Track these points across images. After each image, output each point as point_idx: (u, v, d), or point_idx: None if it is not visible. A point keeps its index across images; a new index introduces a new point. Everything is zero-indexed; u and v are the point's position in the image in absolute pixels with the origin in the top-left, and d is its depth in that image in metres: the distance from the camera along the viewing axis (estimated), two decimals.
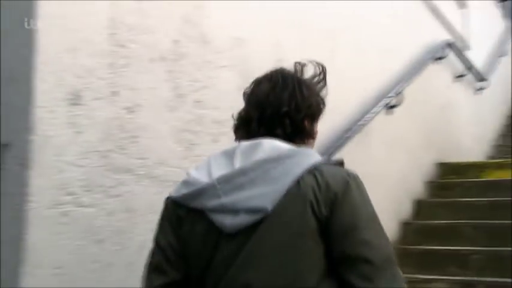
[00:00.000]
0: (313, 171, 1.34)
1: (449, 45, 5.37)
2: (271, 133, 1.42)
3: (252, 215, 1.31)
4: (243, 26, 2.71)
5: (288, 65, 3.03)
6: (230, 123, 2.54)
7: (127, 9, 2.10)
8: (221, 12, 2.57)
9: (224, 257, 1.32)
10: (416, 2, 4.95)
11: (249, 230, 1.30)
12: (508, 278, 3.36)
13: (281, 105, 1.44)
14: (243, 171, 1.35)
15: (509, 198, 4.19)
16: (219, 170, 1.38)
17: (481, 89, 6.53)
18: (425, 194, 4.73)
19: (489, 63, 6.97)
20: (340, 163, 1.43)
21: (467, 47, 6.24)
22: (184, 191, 1.40)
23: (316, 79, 1.56)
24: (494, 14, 8.38)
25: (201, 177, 1.38)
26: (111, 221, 1.99)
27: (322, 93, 1.55)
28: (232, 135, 2.58)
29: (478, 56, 6.55)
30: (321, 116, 1.53)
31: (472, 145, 6.10)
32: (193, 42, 2.41)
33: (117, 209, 2.02)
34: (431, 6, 5.20)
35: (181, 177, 2.25)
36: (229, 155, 1.42)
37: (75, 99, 1.88)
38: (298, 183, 1.32)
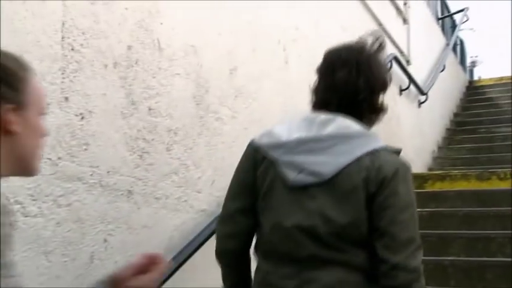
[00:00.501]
0: (372, 154, 1.58)
1: (395, 58, 5.52)
2: (348, 112, 1.65)
3: (311, 177, 1.58)
4: (196, 34, 2.69)
5: (245, 73, 3.04)
6: (183, 132, 2.54)
7: (80, 12, 2.04)
8: (175, 19, 2.54)
9: (285, 204, 1.60)
10: (364, 16, 5.06)
11: (304, 189, 1.58)
12: (450, 287, 3.46)
13: (358, 92, 1.65)
14: (315, 139, 1.61)
15: (452, 209, 4.33)
16: (298, 132, 1.64)
17: (422, 102, 6.73)
18: None
19: (429, 77, 7.19)
20: (398, 152, 1.67)
21: (409, 62, 6.42)
22: (265, 140, 1.68)
23: (381, 53, 1.74)
24: (434, 31, 8.68)
25: (282, 133, 1.66)
26: (59, 231, 1.91)
27: (387, 65, 1.71)
28: (185, 144, 2.56)
29: (419, 71, 6.76)
30: (388, 88, 1.73)
31: (414, 157, 6.27)
32: (147, 48, 2.36)
33: (67, 218, 1.94)
34: (378, 21, 5.33)
35: (134, 186, 2.22)
36: (309, 122, 1.66)
37: None
38: (358, 161, 1.56)
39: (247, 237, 1.72)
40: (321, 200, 1.57)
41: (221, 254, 1.79)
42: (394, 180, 1.56)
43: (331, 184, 1.57)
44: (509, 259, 3.55)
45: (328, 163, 1.58)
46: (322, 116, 1.65)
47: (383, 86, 1.71)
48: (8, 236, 0.96)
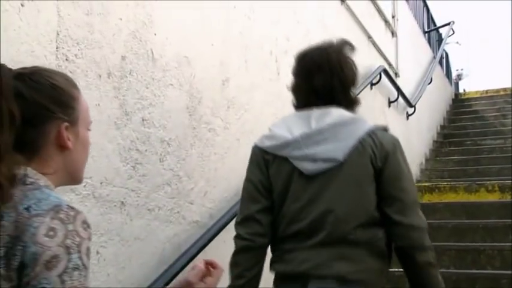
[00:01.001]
0: (370, 134, 1.83)
1: (384, 71, 5.56)
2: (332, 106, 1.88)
3: (327, 163, 1.80)
4: (189, 45, 2.68)
5: (237, 84, 3.04)
6: (176, 143, 2.52)
7: (74, 23, 2.03)
8: (168, 30, 2.53)
9: (303, 192, 1.81)
10: (354, 28, 5.10)
11: (323, 174, 1.80)
12: None
13: (335, 92, 1.89)
14: (319, 131, 1.83)
15: (441, 221, 4.34)
16: (299, 129, 1.86)
17: (410, 114, 6.78)
18: None
19: (417, 90, 7.25)
20: (385, 129, 1.92)
21: (397, 74, 6.47)
22: (269, 143, 1.89)
23: (347, 50, 1.96)
24: (421, 44, 8.77)
25: (283, 133, 1.87)
26: None
27: (353, 61, 1.97)
28: (177, 155, 2.55)
29: (407, 83, 6.81)
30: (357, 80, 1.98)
31: None
32: (141, 59, 2.35)
33: None
34: (367, 33, 5.37)
35: (126, 197, 2.19)
36: (305, 118, 1.88)
37: None
38: (361, 142, 1.80)
39: (269, 234, 1.88)
40: (337, 181, 1.79)
41: (248, 249, 1.89)
42: (395, 154, 1.84)
43: (344, 165, 1.80)
44: (499, 271, 3.56)
45: (338, 148, 1.80)
46: (317, 111, 1.88)
47: (353, 82, 1.96)
48: (89, 249, 1.03)
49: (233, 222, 2.76)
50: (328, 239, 1.77)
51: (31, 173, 1.07)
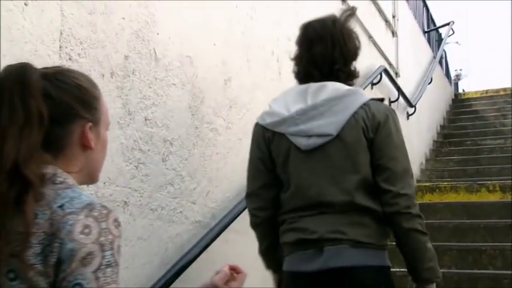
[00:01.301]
0: (363, 106, 1.88)
1: (385, 70, 5.56)
2: (330, 80, 1.93)
3: (321, 138, 1.88)
4: (191, 44, 2.68)
5: (239, 83, 3.04)
6: (179, 142, 2.52)
7: (78, 22, 2.02)
8: (171, 30, 2.53)
9: (302, 166, 1.90)
10: (355, 28, 5.09)
11: (320, 148, 1.88)
12: None
13: (334, 63, 1.94)
14: (314, 107, 1.90)
15: (442, 221, 4.34)
16: (295, 105, 1.92)
17: (410, 114, 6.78)
18: None
19: (417, 90, 7.25)
20: (382, 99, 1.99)
21: (398, 74, 6.47)
22: (269, 119, 1.96)
23: (350, 24, 2.03)
24: (422, 44, 8.77)
25: (281, 109, 1.94)
26: None
27: (356, 35, 2.04)
28: (180, 155, 2.55)
29: (407, 83, 6.81)
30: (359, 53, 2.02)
31: None
32: (144, 58, 2.35)
33: None
34: (368, 33, 5.37)
35: (129, 197, 2.19)
36: (302, 93, 1.94)
37: None
38: (354, 115, 1.87)
39: (273, 207, 1.99)
40: (333, 154, 1.88)
41: (256, 225, 2.05)
42: (387, 124, 1.89)
43: (338, 139, 1.87)
44: (500, 271, 3.57)
45: (331, 123, 1.87)
46: (313, 85, 1.94)
47: (354, 54, 2.01)
48: (120, 247, 1.06)
49: (235, 223, 2.78)
50: (335, 209, 1.87)
51: (59, 172, 1.10)
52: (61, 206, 1.03)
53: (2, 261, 1.02)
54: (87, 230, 1.01)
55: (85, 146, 1.15)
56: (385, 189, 1.85)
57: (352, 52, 2.00)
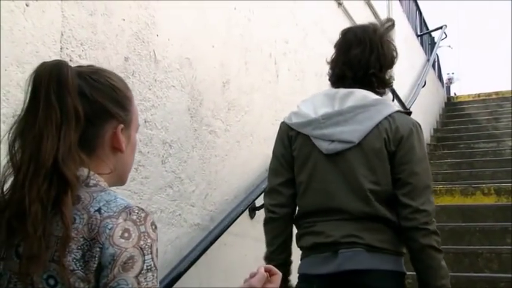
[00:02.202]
0: (388, 117, 1.89)
1: None
2: (362, 85, 1.95)
3: (342, 144, 1.91)
4: (191, 46, 2.67)
5: (237, 86, 3.03)
6: (178, 145, 2.51)
7: (78, 23, 2.01)
8: (170, 32, 2.52)
9: (321, 169, 1.93)
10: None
11: (341, 154, 1.90)
12: None
13: (369, 67, 1.95)
14: (339, 113, 1.93)
15: (438, 224, 4.34)
16: (322, 108, 1.96)
17: None
18: None
19: (411, 93, 7.27)
20: (409, 113, 2.00)
21: (392, 77, 6.48)
22: (295, 120, 2.00)
23: (391, 33, 2.05)
24: (415, 47, 8.80)
25: (308, 111, 1.98)
26: None
27: (394, 43, 2.06)
28: (179, 157, 2.53)
29: (402, 86, 6.83)
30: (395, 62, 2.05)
31: None
32: (143, 60, 2.33)
33: None
34: None
35: (129, 199, 2.17)
36: (330, 97, 1.98)
37: None
38: (378, 126, 1.88)
39: (292, 204, 2.02)
40: (353, 161, 1.89)
41: (272, 220, 2.03)
42: (410, 138, 1.88)
43: (359, 147, 1.89)
44: (497, 274, 3.57)
45: (355, 131, 1.89)
46: (342, 91, 1.96)
47: (391, 62, 2.03)
48: (157, 250, 1.04)
49: (234, 225, 2.76)
50: (351, 215, 1.88)
51: (92, 174, 1.07)
52: (98, 210, 1.01)
53: (41, 266, 0.99)
54: (126, 234, 0.99)
55: (115, 148, 1.12)
56: (404, 204, 1.85)
57: (389, 60, 2.01)
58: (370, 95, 1.93)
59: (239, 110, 3.07)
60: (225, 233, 2.67)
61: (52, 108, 1.04)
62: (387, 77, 2.02)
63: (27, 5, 1.79)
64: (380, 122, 1.88)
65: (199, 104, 2.70)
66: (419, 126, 1.94)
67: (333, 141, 1.91)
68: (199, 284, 2.51)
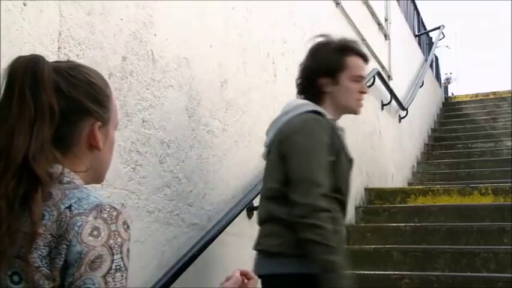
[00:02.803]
0: (289, 119, 2.08)
1: (378, 74, 5.57)
2: (305, 94, 2.22)
3: (265, 149, 2.20)
4: (188, 46, 2.67)
5: (235, 85, 3.03)
6: (176, 144, 2.51)
7: (76, 23, 2.00)
8: (168, 31, 2.51)
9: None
10: (349, 31, 5.10)
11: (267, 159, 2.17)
12: None
13: (304, 80, 2.21)
14: (273, 121, 2.22)
15: (435, 224, 4.35)
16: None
17: (402, 117, 6.80)
18: (355, 219, 4.82)
19: (409, 93, 7.28)
20: (315, 111, 2.09)
21: (390, 77, 6.49)
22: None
23: (324, 43, 2.23)
24: (413, 47, 8.80)
25: None
26: None
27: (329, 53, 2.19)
28: (177, 157, 2.53)
29: (399, 86, 6.84)
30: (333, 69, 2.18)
31: (395, 172, 6.32)
32: (141, 60, 2.33)
33: None
34: (361, 36, 5.38)
35: (127, 199, 2.17)
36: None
37: None
38: (280, 129, 2.08)
39: None
40: (267, 165, 2.15)
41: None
42: (294, 135, 2.02)
43: (270, 152, 2.12)
44: (494, 274, 3.58)
45: (269, 136, 2.14)
46: (288, 100, 2.23)
47: (318, 72, 2.17)
48: (129, 250, 1.03)
49: (231, 225, 2.76)
50: (261, 218, 2.11)
51: (66, 171, 1.05)
52: (69, 207, 0.99)
53: (5, 262, 0.97)
54: (96, 232, 0.97)
55: (92, 146, 1.10)
56: (290, 199, 1.96)
57: (315, 68, 2.20)
58: (298, 101, 2.16)
59: (237, 109, 3.07)
60: (222, 233, 2.67)
61: (26, 104, 1.01)
62: (316, 84, 2.17)
63: (24, 5, 1.79)
64: (282, 125, 2.08)
65: (197, 103, 2.70)
66: (315, 120, 2.03)
67: (266, 145, 2.19)
68: (197, 283, 2.51)
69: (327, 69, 2.16)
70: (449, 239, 4.09)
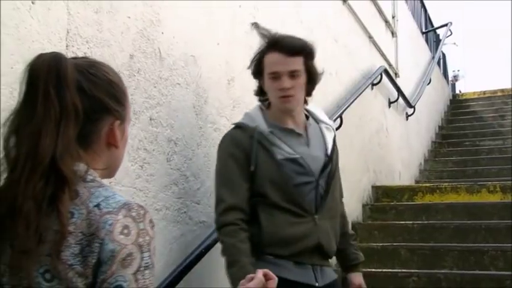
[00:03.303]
0: None
1: (385, 71, 5.55)
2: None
3: None
4: (195, 44, 2.67)
5: (242, 83, 3.02)
6: (183, 142, 2.51)
7: (84, 21, 2.01)
8: (175, 29, 2.52)
9: None
10: (356, 28, 5.09)
11: None
12: None
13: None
14: None
15: (443, 221, 4.34)
16: None
17: (409, 115, 6.78)
18: (362, 217, 4.81)
19: (416, 90, 7.26)
20: (237, 126, 2.27)
21: (397, 74, 6.47)
22: None
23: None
24: (420, 44, 8.77)
25: None
26: None
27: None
28: (184, 155, 2.53)
29: (406, 84, 6.81)
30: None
31: (402, 169, 6.30)
32: (149, 57, 2.33)
33: None
34: (368, 33, 5.37)
35: (135, 197, 2.17)
36: None
37: None
38: None
39: None
40: None
41: None
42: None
43: None
44: (502, 272, 3.56)
45: None
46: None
47: (255, 72, 2.29)
48: (155, 248, 1.04)
49: None
50: None
51: (89, 169, 1.06)
52: (97, 205, 1.00)
53: (35, 261, 0.98)
54: (126, 231, 0.99)
55: (110, 144, 1.11)
56: None
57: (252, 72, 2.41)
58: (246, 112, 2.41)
59: (244, 107, 3.06)
60: None
61: (51, 103, 1.01)
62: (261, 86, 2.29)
63: (33, 3, 1.79)
64: None
65: (204, 101, 2.70)
66: (229, 136, 2.25)
67: None
68: (204, 281, 2.51)
69: (256, 70, 2.26)
70: (457, 237, 4.07)
